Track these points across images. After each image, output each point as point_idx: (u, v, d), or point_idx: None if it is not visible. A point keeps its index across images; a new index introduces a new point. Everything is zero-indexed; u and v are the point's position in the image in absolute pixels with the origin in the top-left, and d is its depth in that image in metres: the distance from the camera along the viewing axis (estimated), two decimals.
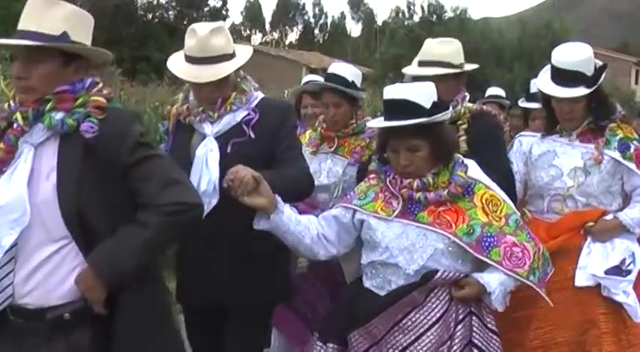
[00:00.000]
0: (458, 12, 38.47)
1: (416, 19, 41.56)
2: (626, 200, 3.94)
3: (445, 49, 3.98)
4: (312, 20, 75.98)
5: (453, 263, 2.93)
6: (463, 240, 2.89)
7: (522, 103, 5.70)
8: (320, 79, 5.13)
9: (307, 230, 3.06)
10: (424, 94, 2.94)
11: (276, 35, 79.28)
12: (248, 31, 75.52)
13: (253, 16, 79.02)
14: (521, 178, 4.10)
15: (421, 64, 3.99)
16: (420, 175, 2.96)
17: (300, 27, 78.44)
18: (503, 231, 2.93)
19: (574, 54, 3.85)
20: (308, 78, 5.84)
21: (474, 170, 3.06)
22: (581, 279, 3.75)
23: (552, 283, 3.37)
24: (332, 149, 4.16)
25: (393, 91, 3.00)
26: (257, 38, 74.47)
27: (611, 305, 3.73)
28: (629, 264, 3.77)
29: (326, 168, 4.12)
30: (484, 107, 4.15)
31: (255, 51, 3.90)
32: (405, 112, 2.90)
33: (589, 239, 3.84)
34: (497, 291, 2.88)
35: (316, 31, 77.99)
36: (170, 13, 33.81)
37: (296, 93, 5.36)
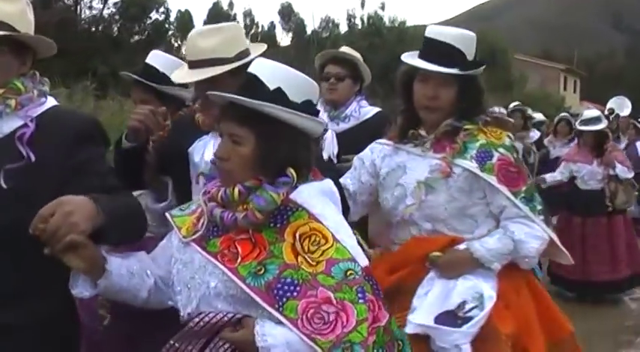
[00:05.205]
0: (397, 24, 39.34)
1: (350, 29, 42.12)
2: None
3: (212, 41, 2.93)
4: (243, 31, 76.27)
5: (233, 311, 2.11)
6: (245, 282, 2.07)
7: None
8: None
9: (143, 280, 2.27)
10: (274, 76, 2.19)
11: None
12: (179, 42, 75.27)
13: (184, 26, 78.84)
14: (359, 197, 3.25)
15: (191, 65, 2.97)
16: (236, 182, 2.16)
17: None
18: (316, 281, 2.05)
19: (454, 29, 3.12)
20: None
21: (307, 193, 2.21)
22: (410, 325, 2.86)
23: None
24: None
25: (256, 62, 2.28)
26: None
27: None
28: (469, 310, 2.88)
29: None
30: None
31: None
32: (249, 91, 2.15)
33: (431, 273, 3.01)
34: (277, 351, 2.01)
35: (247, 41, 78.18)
36: (113, 26, 33.67)
37: None
